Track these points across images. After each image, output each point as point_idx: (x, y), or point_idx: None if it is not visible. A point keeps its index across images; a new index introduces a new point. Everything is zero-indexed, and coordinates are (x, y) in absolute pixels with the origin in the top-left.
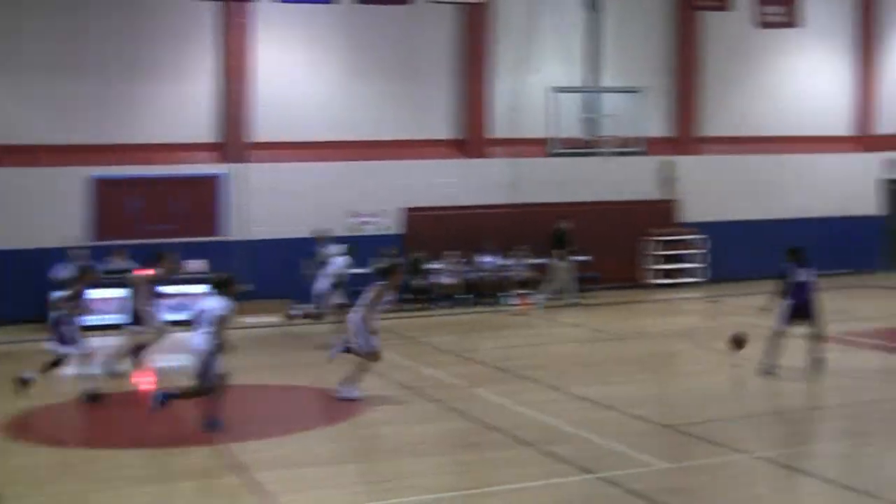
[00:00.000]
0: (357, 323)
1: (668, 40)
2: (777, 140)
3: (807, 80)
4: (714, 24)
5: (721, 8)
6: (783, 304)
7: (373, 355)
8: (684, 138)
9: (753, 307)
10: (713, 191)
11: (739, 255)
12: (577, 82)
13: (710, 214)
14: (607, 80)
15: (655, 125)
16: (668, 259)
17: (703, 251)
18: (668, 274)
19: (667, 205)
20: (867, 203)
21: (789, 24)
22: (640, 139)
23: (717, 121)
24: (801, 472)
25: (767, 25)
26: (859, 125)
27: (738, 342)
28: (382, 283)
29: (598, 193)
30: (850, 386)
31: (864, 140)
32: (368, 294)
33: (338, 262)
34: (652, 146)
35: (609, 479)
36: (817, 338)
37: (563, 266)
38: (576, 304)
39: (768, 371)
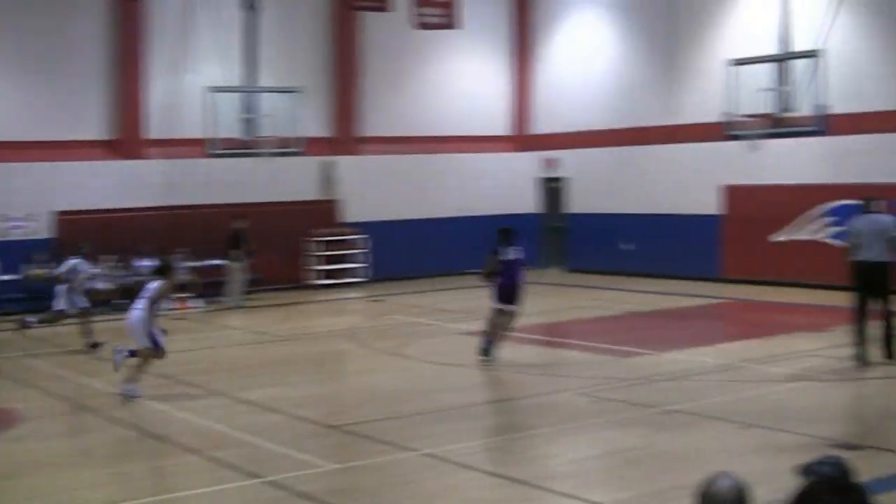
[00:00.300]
0: (140, 321)
1: (328, 40)
2: (438, 140)
3: (466, 81)
4: (374, 24)
5: (381, 9)
6: (494, 283)
7: (157, 352)
8: (344, 138)
9: (417, 306)
10: (374, 190)
11: (401, 254)
12: (235, 82)
13: (372, 214)
14: (265, 80)
15: (315, 125)
16: (331, 259)
17: (365, 251)
18: (331, 274)
19: (328, 205)
20: (525, 201)
21: (447, 26)
22: (299, 139)
23: (378, 121)
24: (467, 468)
25: (425, 27)
26: (517, 125)
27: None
28: (162, 281)
29: (260, 194)
30: (514, 380)
31: (522, 140)
32: (149, 293)
33: (69, 265)
34: (312, 146)
35: (276, 483)
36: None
37: (238, 267)
38: (239, 307)
39: (486, 352)
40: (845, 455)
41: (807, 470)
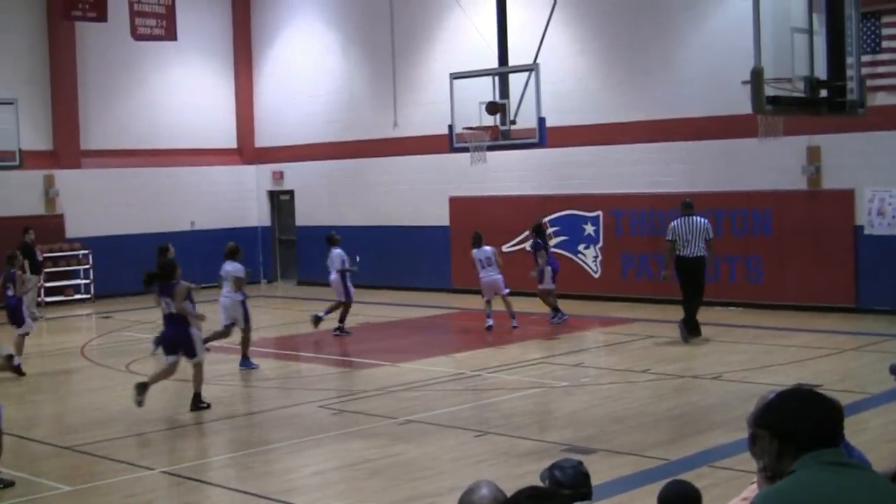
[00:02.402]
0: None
1: (42, 50)
2: (164, 153)
3: (190, 93)
4: (94, 35)
5: (98, 19)
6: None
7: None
8: (64, 151)
9: (147, 322)
10: (100, 205)
11: (128, 269)
12: None
13: (98, 229)
14: None
15: (34, 138)
16: (56, 276)
17: (90, 266)
18: (56, 291)
19: (52, 220)
20: (254, 214)
21: (166, 38)
22: (13, 153)
23: (102, 134)
24: (208, 484)
25: (144, 38)
26: (241, 138)
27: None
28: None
29: None
30: (252, 394)
31: (248, 152)
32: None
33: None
34: (32, 160)
35: None
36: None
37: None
38: None
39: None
40: (579, 458)
41: (542, 475)
